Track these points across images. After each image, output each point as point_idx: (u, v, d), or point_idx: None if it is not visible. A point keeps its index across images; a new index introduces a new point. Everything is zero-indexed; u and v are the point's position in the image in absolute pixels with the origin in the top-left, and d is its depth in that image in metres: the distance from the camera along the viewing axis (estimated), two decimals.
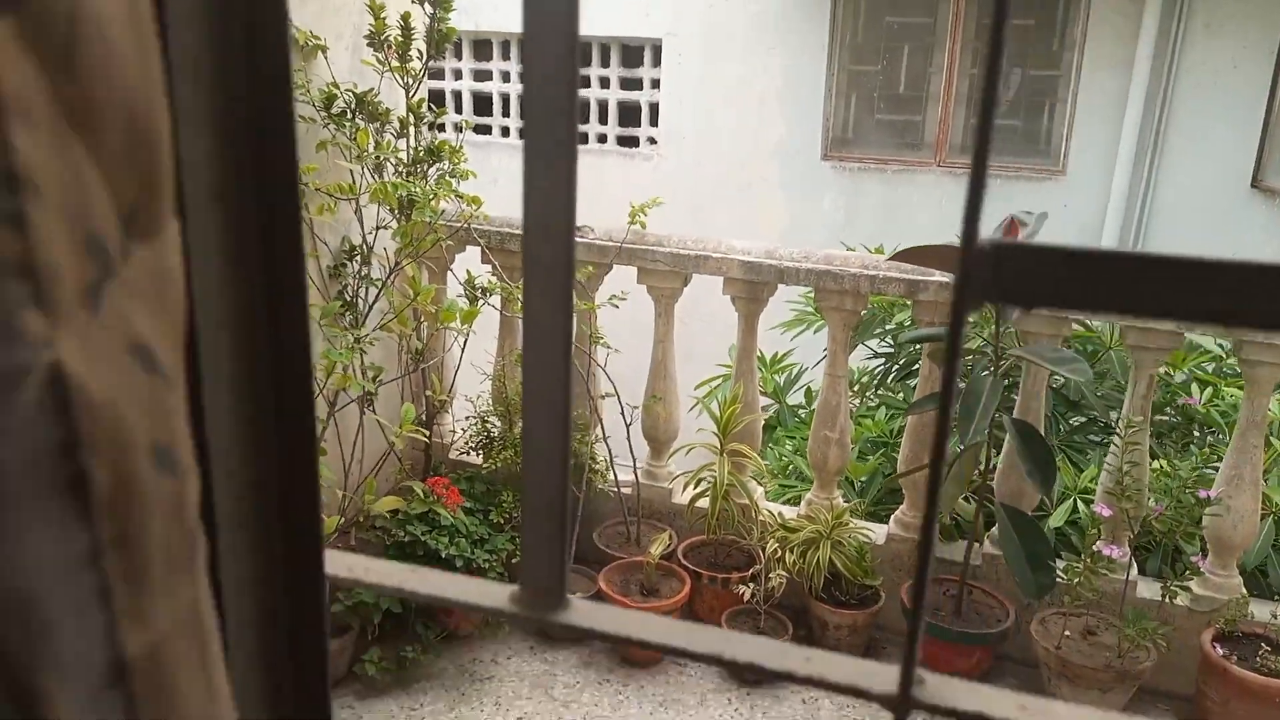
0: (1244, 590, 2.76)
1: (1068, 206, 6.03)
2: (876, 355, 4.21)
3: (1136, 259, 0.33)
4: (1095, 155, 6.03)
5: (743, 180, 6.64)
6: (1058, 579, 2.61)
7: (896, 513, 3.10)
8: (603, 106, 7.13)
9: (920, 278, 2.79)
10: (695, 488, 3.08)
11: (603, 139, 7.17)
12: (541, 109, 0.39)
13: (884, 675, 0.40)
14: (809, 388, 4.36)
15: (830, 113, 6.55)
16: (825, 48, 6.42)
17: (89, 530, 0.25)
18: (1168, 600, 2.65)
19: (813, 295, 3.66)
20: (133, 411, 0.26)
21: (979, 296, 0.37)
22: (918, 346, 3.54)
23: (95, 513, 0.25)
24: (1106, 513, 2.67)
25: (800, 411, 4.30)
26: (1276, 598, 2.90)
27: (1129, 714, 2.67)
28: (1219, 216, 5.80)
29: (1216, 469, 2.78)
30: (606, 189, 5.63)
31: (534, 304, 0.42)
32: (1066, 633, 2.66)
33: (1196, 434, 3.33)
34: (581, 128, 7.19)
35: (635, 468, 3.24)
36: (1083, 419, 3.63)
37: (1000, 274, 0.35)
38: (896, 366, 4.08)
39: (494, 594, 0.46)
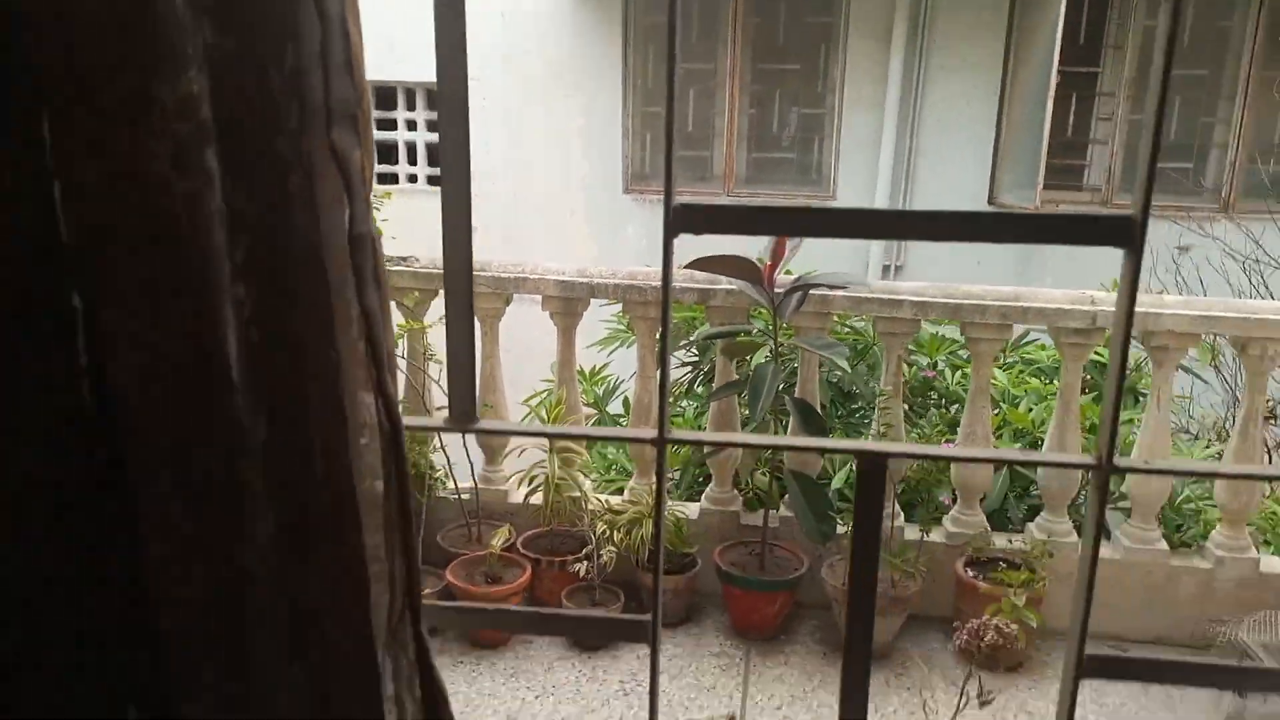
0: (987, 525, 3.40)
1: (832, 240, 6.81)
2: (683, 365, 4.71)
3: (743, 209, 0.74)
4: (859, 182, 6.89)
5: (552, 213, 7.08)
6: (838, 528, 3.13)
7: (707, 490, 3.56)
8: (411, 148, 7.40)
9: (710, 286, 3.27)
10: (529, 485, 3.42)
11: (413, 179, 7.43)
12: (450, 168, 0.75)
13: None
14: (626, 397, 4.79)
15: (629, 150, 7.11)
16: (620, 91, 6.98)
17: None
18: (925, 537, 3.24)
19: (622, 313, 4.11)
20: None
21: (677, 231, 0.76)
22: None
23: None
24: None
25: (620, 420, 4.73)
26: (1010, 529, 3.57)
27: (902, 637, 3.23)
28: None
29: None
30: (424, 224, 5.88)
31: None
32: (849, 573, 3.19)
33: (941, 405, 4.01)
34: (391, 168, 7.43)
35: (473, 473, 3.54)
36: (857, 405, 4.25)
37: (683, 216, 0.74)
38: (702, 373, 4.59)
39: None
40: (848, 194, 6.93)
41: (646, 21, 7.01)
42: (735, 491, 3.53)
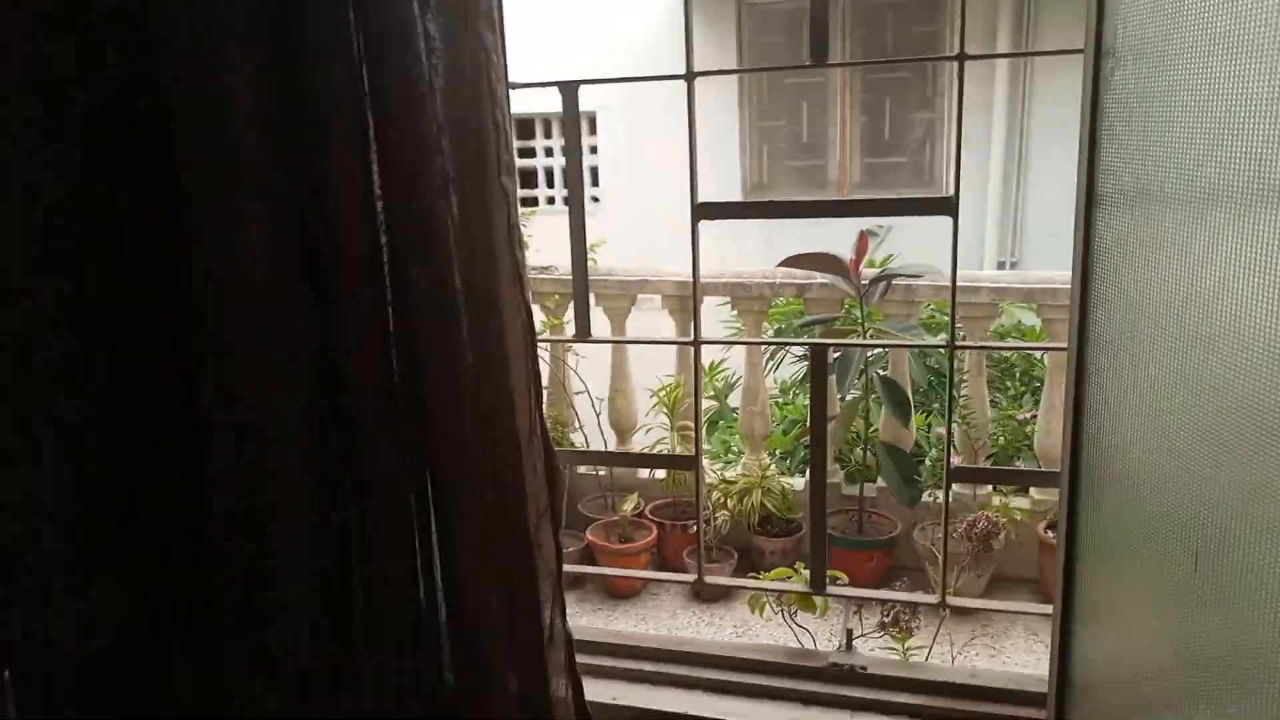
0: None
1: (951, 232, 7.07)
2: (798, 360, 5.13)
3: (738, 204, 1.23)
4: (971, 183, 7.10)
5: (677, 225, 7.60)
6: (924, 495, 3.49)
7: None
8: (549, 173, 8.11)
9: (806, 281, 3.71)
10: None
11: (551, 200, 8.13)
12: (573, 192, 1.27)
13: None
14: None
15: (747, 163, 7.58)
16: (736, 109, 7.47)
17: None
18: (1006, 504, 3.56)
19: (731, 307, 4.59)
20: None
21: (699, 219, 1.26)
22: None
23: None
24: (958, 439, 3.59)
25: (737, 411, 5.19)
26: None
27: (991, 595, 3.55)
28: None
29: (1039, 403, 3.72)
30: (563, 239, 6.54)
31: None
32: (938, 534, 3.55)
33: (1018, 381, 4.29)
34: (533, 192, 8.16)
35: (606, 450, 4.10)
36: None
37: (702, 210, 1.24)
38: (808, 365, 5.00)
39: None
40: (962, 194, 7.14)
41: (760, 41, 7.48)
42: (837, 465, 3.94)
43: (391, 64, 0.96)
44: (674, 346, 4.12)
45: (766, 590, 2.48)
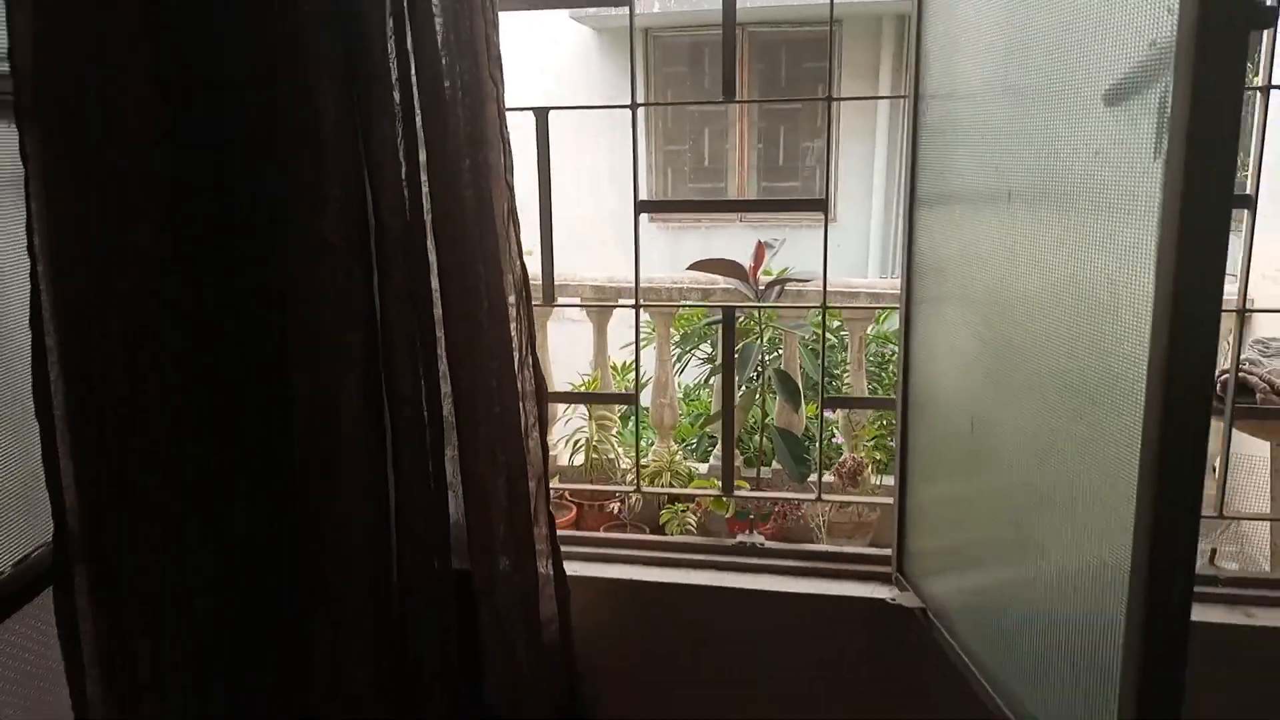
0: None
1: (840, 246, 7.75)
2: (705, 361, 5.63)
3: (668, 201, 1.68)
4: (855, 204, 7.80)
5: (589, 240, 8.06)
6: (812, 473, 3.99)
7: (714, 451, 4.46)
8: None
9: (709, 286, 4.20)
10: (573, 447, 4.34)
11: None
12: None
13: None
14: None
15: (652, 183, 8.09)
16: (643, 134, 7.98)
17: None
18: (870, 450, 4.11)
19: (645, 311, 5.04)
20: None
21: (640, 213, 1.70)
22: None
23: None
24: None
25: (647, 407, 5.65)
26: None
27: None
28: None
29: None
30: None
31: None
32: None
33: (891, 374, 4.90)
34: None
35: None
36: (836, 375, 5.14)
37: (642, 205, 1.68)
38: (714, 365, 5.51)
39: None
40: (847, 214, 7.84)
41: (665, 71, 8.02)
42: (737, 451, 4.42)
43: (431, 98, 1.37)
44: (589, 345, 4.54)
45: (694, 496, 2.96)
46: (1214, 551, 2.28)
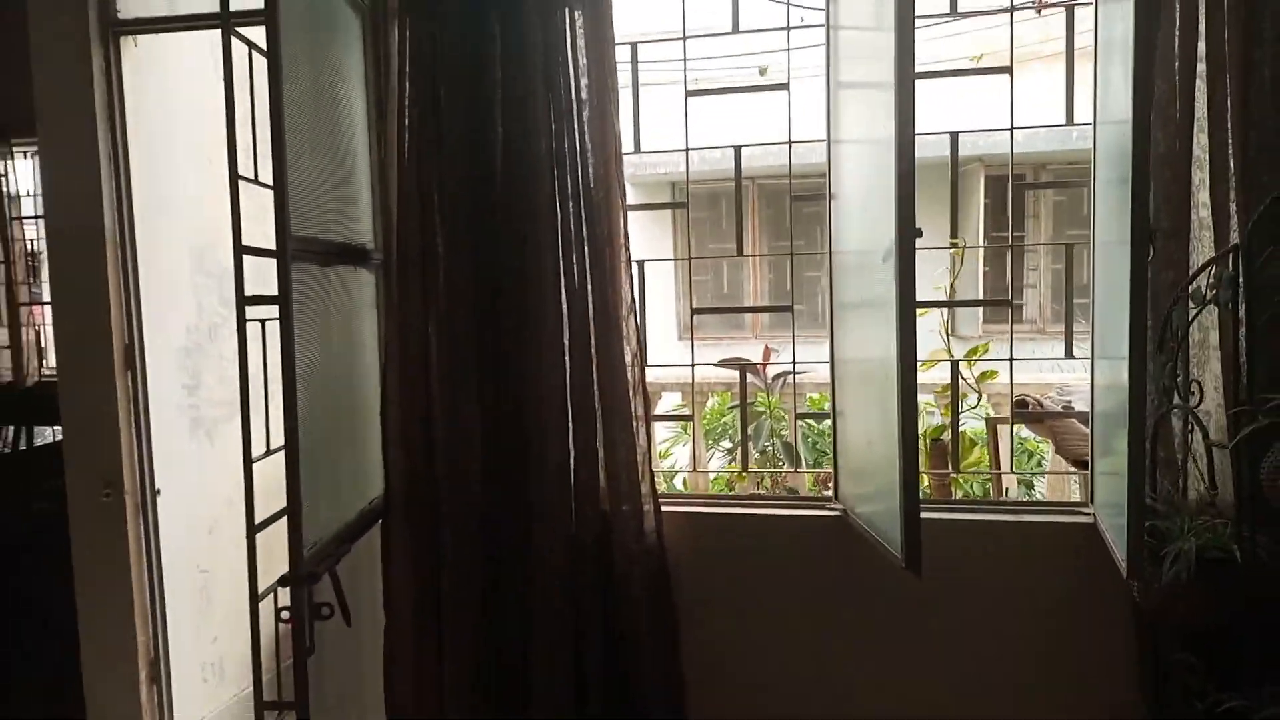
0: None
1: None
2: (726, 454, 6.95)
3: (720, 309, 3.09)
4: None
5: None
6: None
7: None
8: None
9: (730, 381, 5.58)
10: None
11: None
12: None
13: None
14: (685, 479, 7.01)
15: (680, 309, 9.63)
16: (671, 269, 9.58)
17: None
18: None
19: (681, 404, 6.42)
20: None
21: (697, 314, 3.12)
22: None
23: None
24: None
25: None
26: None
27: None
28: None
29: None
30: None
31: None
32: None
33: None
34: None
35: None
36: None
37: (698, 311, 3.09)
38: (734, 450, 6.83)
39: None
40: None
41: (692, 216, 9.67)
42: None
43: (596, 259, 2.81)
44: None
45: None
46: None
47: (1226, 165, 2.39)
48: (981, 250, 8.39)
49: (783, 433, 5.55)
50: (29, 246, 5.73)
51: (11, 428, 5.09)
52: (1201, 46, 2.43)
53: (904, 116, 2.16)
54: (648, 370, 2.93)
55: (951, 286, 4.70)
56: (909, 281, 2.20)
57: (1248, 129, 2.35)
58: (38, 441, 5.08)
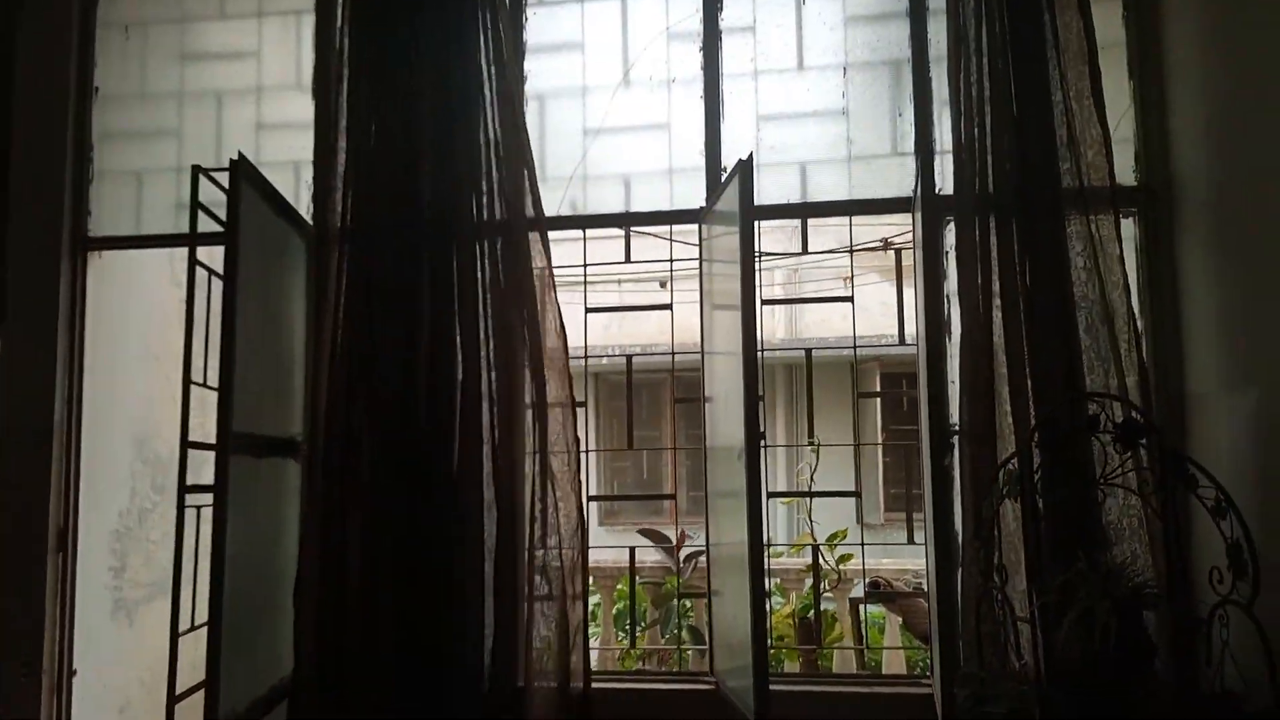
0: None
1: None
2: (645, 628, 7.13)
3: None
4: None
5: None
6: None
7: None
8: None
9: (640, 564, 5.88)
10: None
11: None
12: None
13: None
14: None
15: (604, 490, 9.96)
16: (594, 456, 9.98)
17: None
18: None
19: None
20: None
21: (591, 501, 3.50)
22: None
23: None
24: None
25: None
26: None
27: None
28: None
29: None
30: None
31: None
32: None
33: None
34: None
35: None
36: None
37: (597, 497, 3.48)
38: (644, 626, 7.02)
39: None
40: None
41: (610, 405, 10.19)
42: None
43: (506, 409, 3.20)
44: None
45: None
46: None
47: (1022, 384, 2.93)
48: (880, 445, 9.01)
49: (690, 615, 5.81)
50: None
51: None
52: (995, 285, 3.03)
53: (748, 339, 2.67)
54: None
55: (811, 478, 5.20)
56: (755, 476, 2.63)
57: (1029, 356, 2.92)
58: None
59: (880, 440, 8.96)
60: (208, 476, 2.73)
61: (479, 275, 3.19)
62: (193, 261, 2.81)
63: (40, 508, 3.34)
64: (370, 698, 3.06)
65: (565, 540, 3.15)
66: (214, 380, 2.74)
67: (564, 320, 3.24)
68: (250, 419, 2.89)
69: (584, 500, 3.21)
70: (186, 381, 2.72)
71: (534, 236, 3.24)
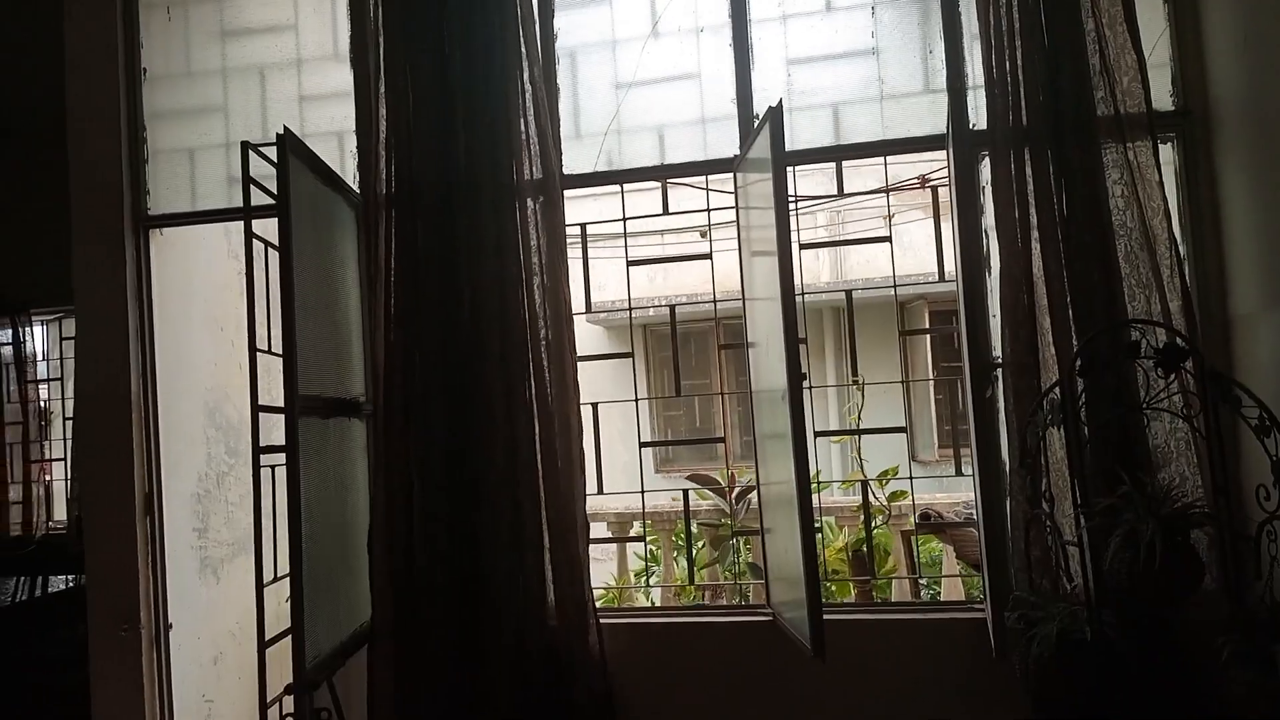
0: None
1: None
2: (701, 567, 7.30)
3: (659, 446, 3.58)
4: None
5: (616, 485, 9.97)
6: None
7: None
8: None
9: (696, 506, 6.01)
10: None
11: None
12: None
13: None
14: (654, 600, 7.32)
15: (657, 438, 10.10)
16: (645, 406, 10.11)
17: None
18: None
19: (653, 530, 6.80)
20: None
21: (645, 448, 3.60)
22: None
23: None
24: None
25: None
26: None
27: None
28: None
29: None
30: None
31: None
32: None
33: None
34: None
35: None
36: None
37: (650, 442, 3.58)
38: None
39: None
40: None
41: (660, 355, 10.28)
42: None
43: (544, 409, 3.31)
44: (613, 571, 6.27)
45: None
46: None
47: (1063, 314, 2.94)
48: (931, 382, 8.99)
49: (749, 550, 5.94)
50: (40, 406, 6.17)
51: (24, 579, 5.42)
52: (1033, 217, 3.02)
53: (786, 285, 2.73)
54: (621, 499, 3.36)
55: (859, 417, 5.24)
56: (799, 417, 2.71)
57: (1068, 285, 2.93)
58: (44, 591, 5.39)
59: (931, 377, 8.94)
60: (279, 438, 2.89)
61: (518, 234, 3.28)
62: (249, 235, 2.94)
63: (126, 474, 3.55)
64: (438, 638, 3.23)
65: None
66: (278, 347, 2.87)
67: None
68: (314, 382, 3.04)
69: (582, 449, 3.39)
70: (253, 349, 2.86)
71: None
